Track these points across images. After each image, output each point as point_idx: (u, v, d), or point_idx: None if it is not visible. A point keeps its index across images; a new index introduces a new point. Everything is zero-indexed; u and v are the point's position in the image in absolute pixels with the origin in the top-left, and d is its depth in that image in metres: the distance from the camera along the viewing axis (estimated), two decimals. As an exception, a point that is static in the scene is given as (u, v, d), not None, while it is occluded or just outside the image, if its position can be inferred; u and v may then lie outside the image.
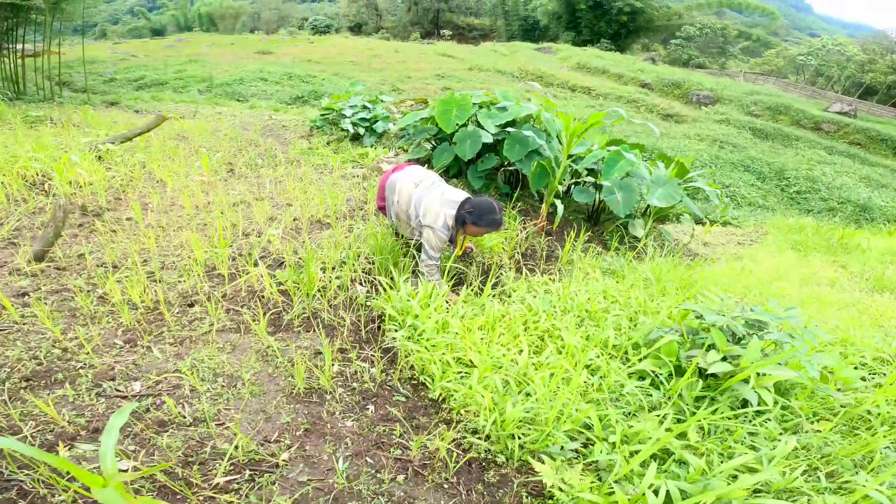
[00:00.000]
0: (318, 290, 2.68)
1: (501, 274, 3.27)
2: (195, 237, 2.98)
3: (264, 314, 2.44)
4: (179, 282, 2.74)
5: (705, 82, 24.71)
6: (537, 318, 2.55)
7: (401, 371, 2.24)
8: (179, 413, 1.83)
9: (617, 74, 25.05)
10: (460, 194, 2.81)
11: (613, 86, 22.80)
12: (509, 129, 4.63)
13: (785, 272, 4.80)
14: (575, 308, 2.74)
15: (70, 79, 14.86)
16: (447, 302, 2.61)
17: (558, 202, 3.98)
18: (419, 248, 2.90)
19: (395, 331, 2.33)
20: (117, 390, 1.91)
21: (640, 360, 2.28)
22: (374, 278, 2.85)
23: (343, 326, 2.49)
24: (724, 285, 3.77)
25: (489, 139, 4.57)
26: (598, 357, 2.31)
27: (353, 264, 2.86)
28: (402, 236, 3.14)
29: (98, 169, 4.43)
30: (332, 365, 2.19)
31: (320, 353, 2.27)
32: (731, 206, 8.59)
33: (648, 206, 4.86)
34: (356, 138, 7.15)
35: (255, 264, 2.86)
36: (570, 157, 4.34)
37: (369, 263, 2.98)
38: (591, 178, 4.55)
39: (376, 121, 7.26)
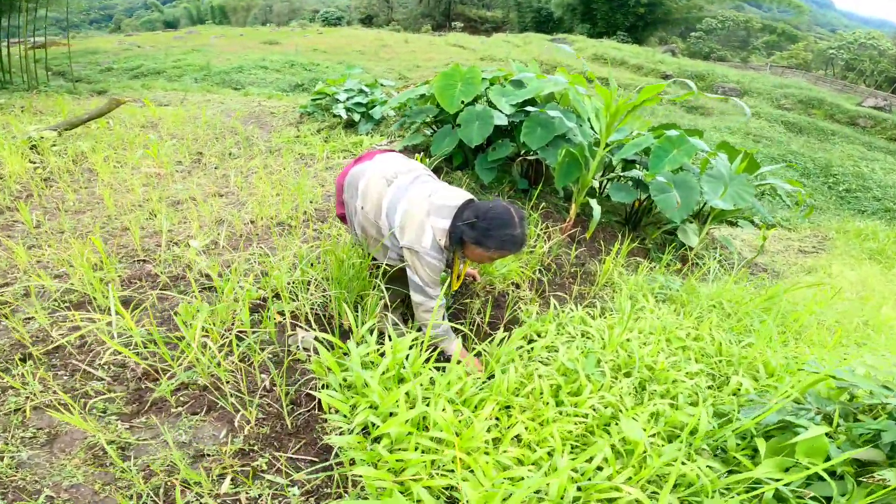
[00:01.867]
0: (230, 340, 1.75)
1: (519, 306, 2.33)
2: (80, 251, 2.08)
3: (122, 381, 1.54)
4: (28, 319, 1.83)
5: (730, 75, 23.44)
6: (577, 387, 1.62)
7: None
8: None
9: (636, 66, 23.89)
10: (458, 196, 1.79)
11: (632, 77, 21.64)
12: (528, 108, 3.68)
13: (876, 291, 3.80)
14: (628, 362, 1.81)
15: (67, 69, 14.74)
16: (462, 367, 1.73)
17: (594, 202, 3.04)
18: (393, 278, 1.96)
19: (339, 430, 1.40)
20: None
21: (750, 457, 1.34)
22: (332, 317, 1.94)
23: (257, 405, 1.56)
24: (820, 314, 2.80)
25: (503, 121, 3.63)
26: (686, 461, 1.37)
27: (303, 294, 1.95)
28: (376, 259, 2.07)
29: (17, 160, 3.59)
30: (219, 481, 1.28)
31: (205, 454, 1.36)
32: (777, 206, 7.54)
33: (701, 208, 3.89)
34: (350, 125, 6.27)
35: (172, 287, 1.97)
36: (606, 145, 3.38)
37: (326, 294, 2.05)
38: (631, 173, 3.59)
39: (374, 106, 6.35)
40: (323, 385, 1.53)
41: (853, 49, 38.05)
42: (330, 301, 1.93)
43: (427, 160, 3.65)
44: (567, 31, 37.84)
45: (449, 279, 1.95)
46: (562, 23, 42.13)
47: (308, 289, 1.97)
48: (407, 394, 1.37)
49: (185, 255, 2.35)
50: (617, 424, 1.52)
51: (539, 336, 1.97)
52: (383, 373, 1.42)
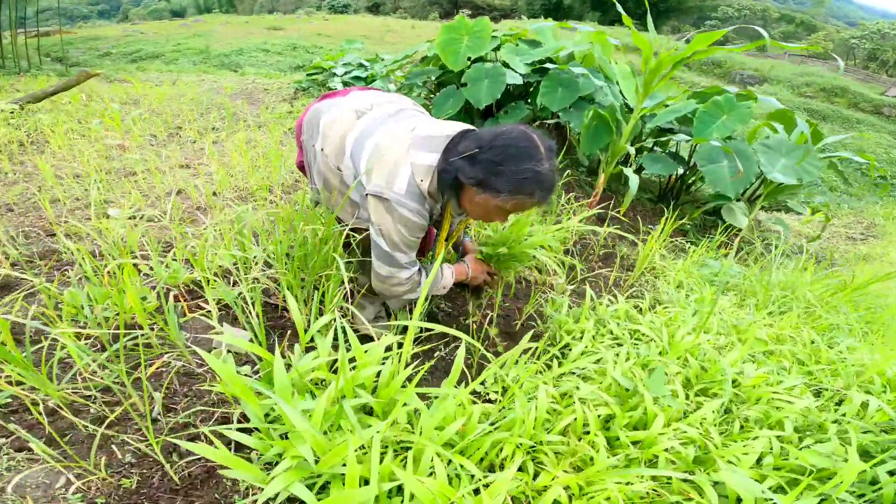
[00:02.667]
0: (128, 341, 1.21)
1: (545, 298, 1.78)
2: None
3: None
4: None
5: (749, 62, 22.61)
6: (638, 416, 1.08)
7: None
8: None
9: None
10: (451, 126, 1.25)
11: (648, 64, 20.85)
12: (547, 65, 3.13)
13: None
14: (702, 374, 1.27)
15: (66, 54, 14.84)
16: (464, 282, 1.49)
17: (630, 172, 2.49)
18: (369, 249, 1.40)
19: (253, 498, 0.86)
20: None
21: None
22: (278, 307, 1.41)
23: (123, 442, 0.99)
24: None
25: (517, 80, 3.08)
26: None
27: (245, 276, 1.42)
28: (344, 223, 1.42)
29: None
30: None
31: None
32: (815, 192, 6.93)
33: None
34: (347, 100, 5.71)
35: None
36: (642, 109, 2.82)
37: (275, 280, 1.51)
38: (676, 137, 3.02)
39: (374, 80, 5.82)
40: (241, 416, 1.00)
41: (875, 39, 37.21)
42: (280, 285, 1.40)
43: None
44: (577, 19, 37.03)
45: (433, 242, 1.42)
46: (571, 10, 41.40)
47: (250, 269, 1.43)
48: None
49: (115, 228, 1.84)
50: (706, 472, 0.99)
51: (572, 337, 1.43)
52: (336, 401, 0.90)
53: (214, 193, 2.57)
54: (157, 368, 1.14)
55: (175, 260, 1.53)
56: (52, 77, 8.88)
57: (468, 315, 1.74)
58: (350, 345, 1.00)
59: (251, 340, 1.24)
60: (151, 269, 1.53)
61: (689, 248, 2.65)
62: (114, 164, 3.04)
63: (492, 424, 0.98)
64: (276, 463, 0.82)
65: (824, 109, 16.54)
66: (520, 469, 0.97)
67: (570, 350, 1.30)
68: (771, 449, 1.10)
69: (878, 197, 5.94)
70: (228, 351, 1.14)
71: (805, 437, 1.18)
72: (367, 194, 1.19)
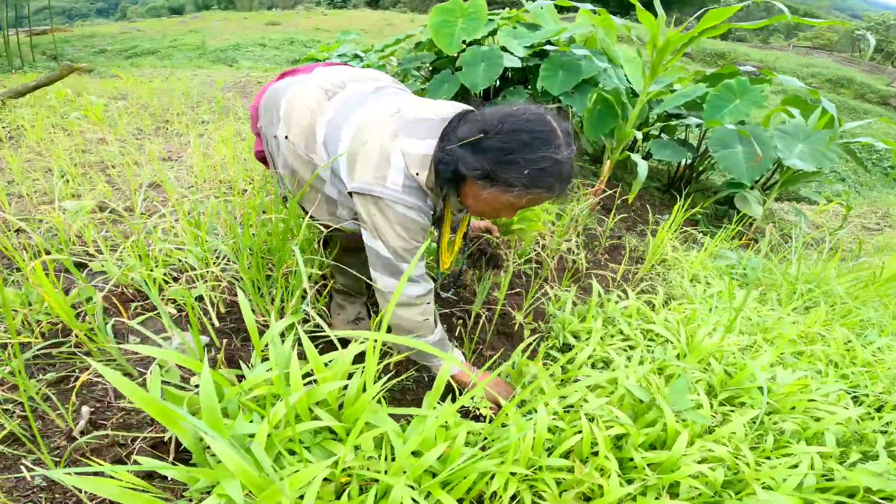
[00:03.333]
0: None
1: (542, 293, 1.61)
2: None
3: None
4: None
5: (752, 53, 22.35)
6: (657, 432, 0.92)
7: None
8: None
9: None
10: (445, 106, 1.06)
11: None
12: (547, 48, 2.95)
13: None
14: (727, 380, 1.10)
15: (62, 52, 14.90)
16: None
17: (638, 158, 2.31)
18: (348, 249, 1.26)
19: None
20: None
21: None
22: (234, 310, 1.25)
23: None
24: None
25: (515, 63, 2.90)
26: None
27: (206, 273, 1.25)
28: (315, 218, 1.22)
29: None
30: None
31: None
32: (828, 181, 6.77)
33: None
34: (341, 91, 5.54)
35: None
36: (649, 93, 2.63)
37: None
38: (687, 121, 2.84)
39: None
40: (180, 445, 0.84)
41: (881, 31, 36.95)
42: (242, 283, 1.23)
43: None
44: (576, 10, 36.61)
45: (435, 248, 1.24)
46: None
47: (209, 266, 1.26)
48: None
49: (68, 221, 1.67)
50: (738, 498, 0.82)
51: (577, 339, 1.26)
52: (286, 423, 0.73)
53: (192, 186, 2.41)
54: (88, 378, 0.98)
55: (130, 256, 1.37)
56: (43, 72, 8.76)
57: (461, 311, 1.57)
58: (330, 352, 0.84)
59: (207, 345, 1.08)
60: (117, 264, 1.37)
61: (701, 238, 2.47)
62: (91, 157, 2.89)
63: (482, 448, 0.82)
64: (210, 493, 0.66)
65: (831, 100, 16.32)
66: (515, 499, 0.80)
67: (577, 354, 1.13)
68: (812, 467, 0.93)
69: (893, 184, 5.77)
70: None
71: (850, 452, 1.02)
72: (351, 192, 1.00)
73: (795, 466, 0.89)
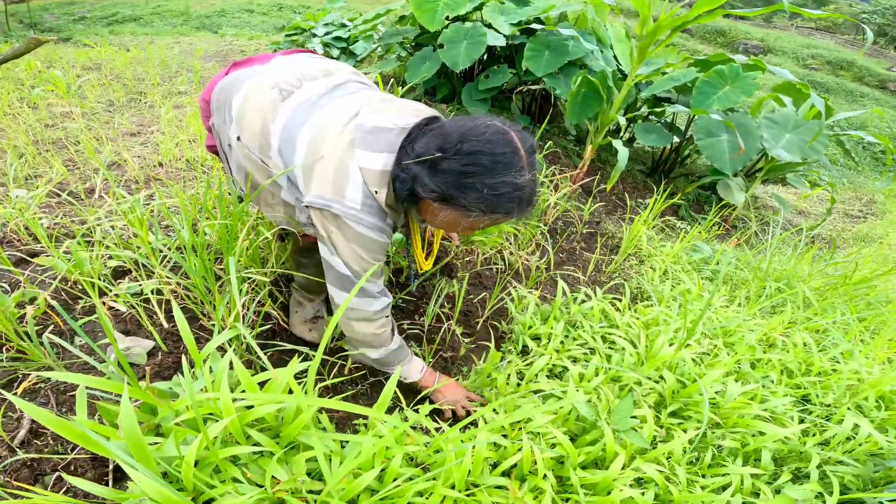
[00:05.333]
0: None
1: (508, 290, 1.58)
2: None
3: None
4: None
5: (754, 32, 21.95)
6: (597, 451, 0.90)
7: None
8: None
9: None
10: (406, 111, 0.99)
11: (649, 30, 20.20)
12: (534, 26, 2.84)
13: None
14: (679, 390, 1.10)
15: (40, 20, 14.59)
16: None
17: (619, 144, 2.26)
18: (308, 250, 1.23)
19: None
20: None
21: None
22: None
23: None
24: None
25: (500, 41, 2.80)
26: None
27: (154, 272, 1.20)
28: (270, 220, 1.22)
29: None
30: None
31: None
32: (815, 166, 6.73)
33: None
34: (327, 63, 5.36)
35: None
36: (636, 76, 2.56)
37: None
38: (673, 108, 2.77)
39: (356, 41, 5.47)
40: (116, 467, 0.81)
41: (887, 15, 36.40)
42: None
43: (400, 90, 2.77)
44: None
45: (408, 257, 1.20)
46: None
47: (156, 265, 1.21)
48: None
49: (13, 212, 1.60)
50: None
51: (539, 341, 1.24)
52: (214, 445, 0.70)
53: (160, 164, 2.33)
54: (29, 386, 0.94)
55: (80, 249, 1.31)
56: (10, 48, 8.40)
57: (423, 310, 1.54)
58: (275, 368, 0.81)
59: (153, 350, 1.04)
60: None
61: (679, 226, 2.45)
62: (56, 133, 2.77)
63: (421, 467, 0.80)
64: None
65: (829, 82, 16.13)
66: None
67: (534, 361, 1.11)
68: (741, 488, 0.93)
69: (885, 175, 5.78)
70: (133, 362, 0.94)
71: (783, 472, 1.01)
72: (307, 205, 0.95)
73: (726, 487, 0.89)
